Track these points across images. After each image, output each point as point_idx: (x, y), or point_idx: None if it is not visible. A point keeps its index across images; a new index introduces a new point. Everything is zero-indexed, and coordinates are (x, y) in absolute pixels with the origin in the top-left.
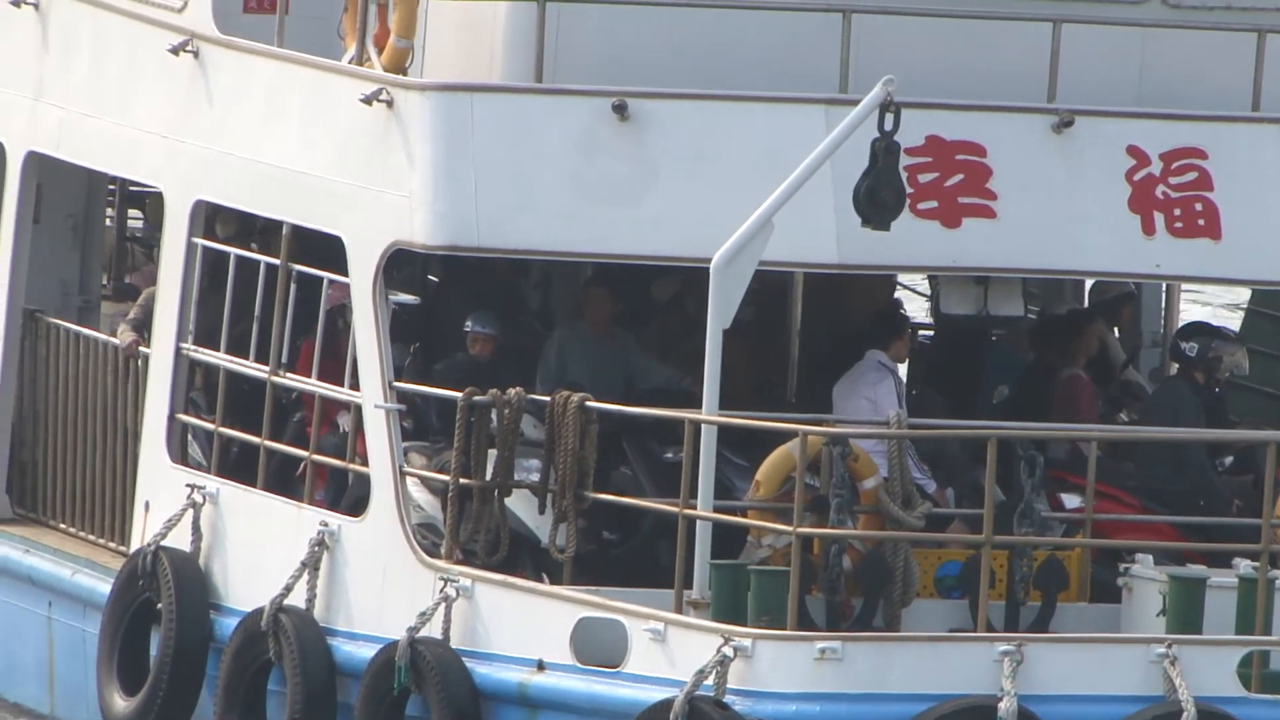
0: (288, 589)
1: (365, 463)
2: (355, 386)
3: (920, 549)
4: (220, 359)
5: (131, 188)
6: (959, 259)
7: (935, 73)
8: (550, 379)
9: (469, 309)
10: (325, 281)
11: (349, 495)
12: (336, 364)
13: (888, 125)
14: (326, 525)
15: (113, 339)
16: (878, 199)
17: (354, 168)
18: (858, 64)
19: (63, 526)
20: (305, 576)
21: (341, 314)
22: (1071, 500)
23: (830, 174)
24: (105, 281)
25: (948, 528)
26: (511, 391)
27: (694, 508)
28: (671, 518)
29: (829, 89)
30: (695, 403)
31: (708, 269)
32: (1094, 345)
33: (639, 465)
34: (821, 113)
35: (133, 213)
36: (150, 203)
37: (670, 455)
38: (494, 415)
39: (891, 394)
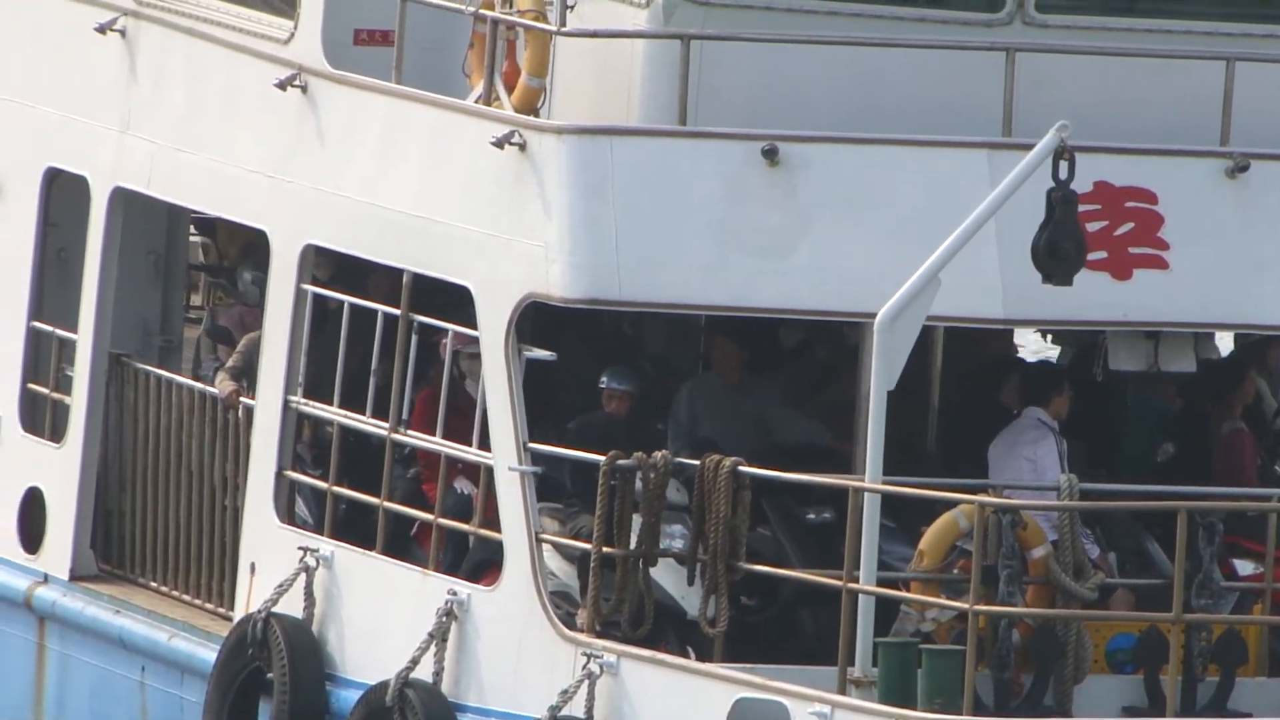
0: (414, 662)
1: (490, 524)
2: (483, 444)
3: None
4: (334, 414)
5: (204, 217)
6: (1130, 313)
7: (1101, 114)
8: (682, 435)
9: (590, 362)
10: (450, 334)
11: (469, 560)
12: (458, 419)
13: (1062, 173)
14: (455, 594)
15: (208, 387)
16: (1058, 252)
17: (483, 214)
18: (1021, 105)
19: (154, 585)
20: (433, 648)
21: (455, 362)
22: (1244, 567)
23: (993, 222)
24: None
25: (1112, 596)
26: (657, 455)
27: (855, 579)
28: (813, 584)
29: (992, 131)
30: (837, 459)
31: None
32: (1252, 393)
33: (779, 526)
34: (984, 157)
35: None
36: (220, 234)
37: (812, 516)
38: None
39: (1053, 453)
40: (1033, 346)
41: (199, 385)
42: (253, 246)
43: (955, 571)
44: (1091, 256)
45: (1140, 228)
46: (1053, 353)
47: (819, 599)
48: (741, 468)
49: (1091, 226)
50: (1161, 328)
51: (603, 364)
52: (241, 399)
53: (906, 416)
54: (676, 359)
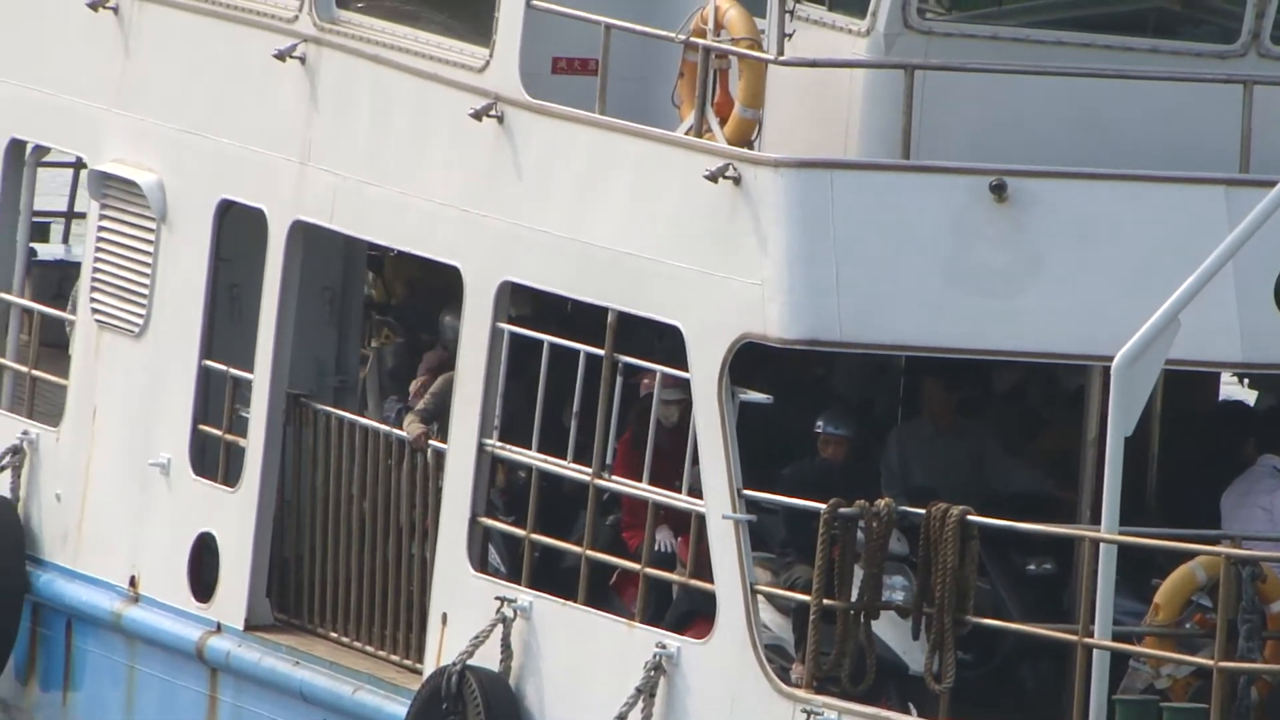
0: (621, 718)
1: (697, 574)
2: (692, 490)
3: None
4: (533, 458)
5: (371, 252)
6: None
7: None
8: (895, 483)
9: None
10: (658, 375)
11: (674, 611)
12: (662, 464)
13: None
14: (664, 647)
15: (394, 430)
16: None
17: (694, 250)
18: (1260, 139)
19: (334, 635)
20: (640, 703)
21: (660, 404)
22: None
23: (1229, 262)
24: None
25: None
26: (880, 502)
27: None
28: (1033, 638)
29: (1228, 167)
30: (1059, 508)
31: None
32: None
33: (998, 577)
34: (1221, 194)
35: None
36: (387, 270)
37: (1033, 567)
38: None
39: None
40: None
41: (384, 428)
42: (426, 285)
43: (1189, 626)
44: None
45: None
46: (1244, 395)
47: (1039, 653)
48: (970, 517)
49: None
50: None
51: (789, 406)
52: (431, 442)
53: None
54: (874, 402)
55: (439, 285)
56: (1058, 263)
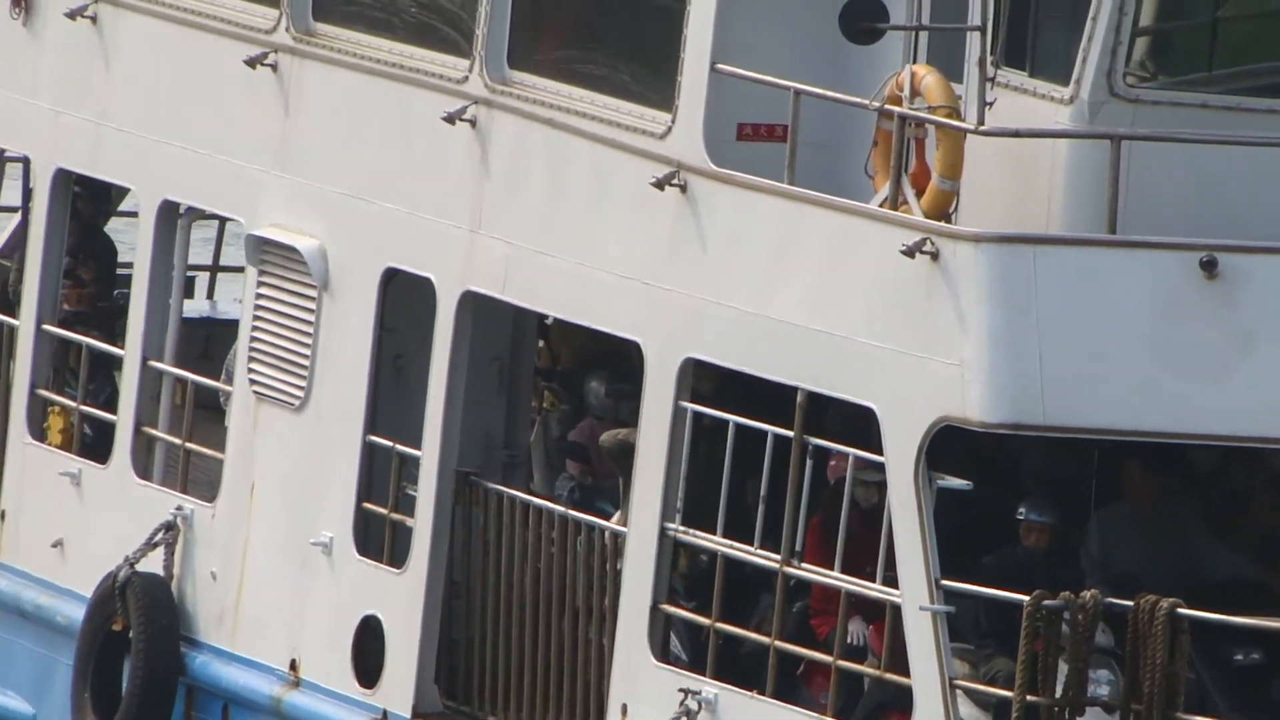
0: None
1: (891, 666)
2: (885, 579)
3: None
4: (718, 544)
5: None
6: None
7: None
8: (1095, 570)
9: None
10: (850, 458)
11: (866, 703)
12: (855, 549)
13: None
14: None
15: (570, 511)
16: None
17: (889, 328)
18: None
19: None
20: None
21: (853, 488)
22: None
23: None
24: None
25: None
26: (1086, 594)
27: None
28: None
29: None
30: (1266, 593)
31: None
32: None
33: (1204, 668)
34: None
35: None
36: (554, 335)
37: (1240, 657)
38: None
39: None
40: None
41: (558, 508)
42: (594, 352)
43: None
44: None
45: None
46: None
47: None
48: (1180, 609)
49: None
50: None
51: (983, 487)
52: (609, 524)
53: None
54: (1070, 484)
55: (608, 351)
56: (1270, 341)
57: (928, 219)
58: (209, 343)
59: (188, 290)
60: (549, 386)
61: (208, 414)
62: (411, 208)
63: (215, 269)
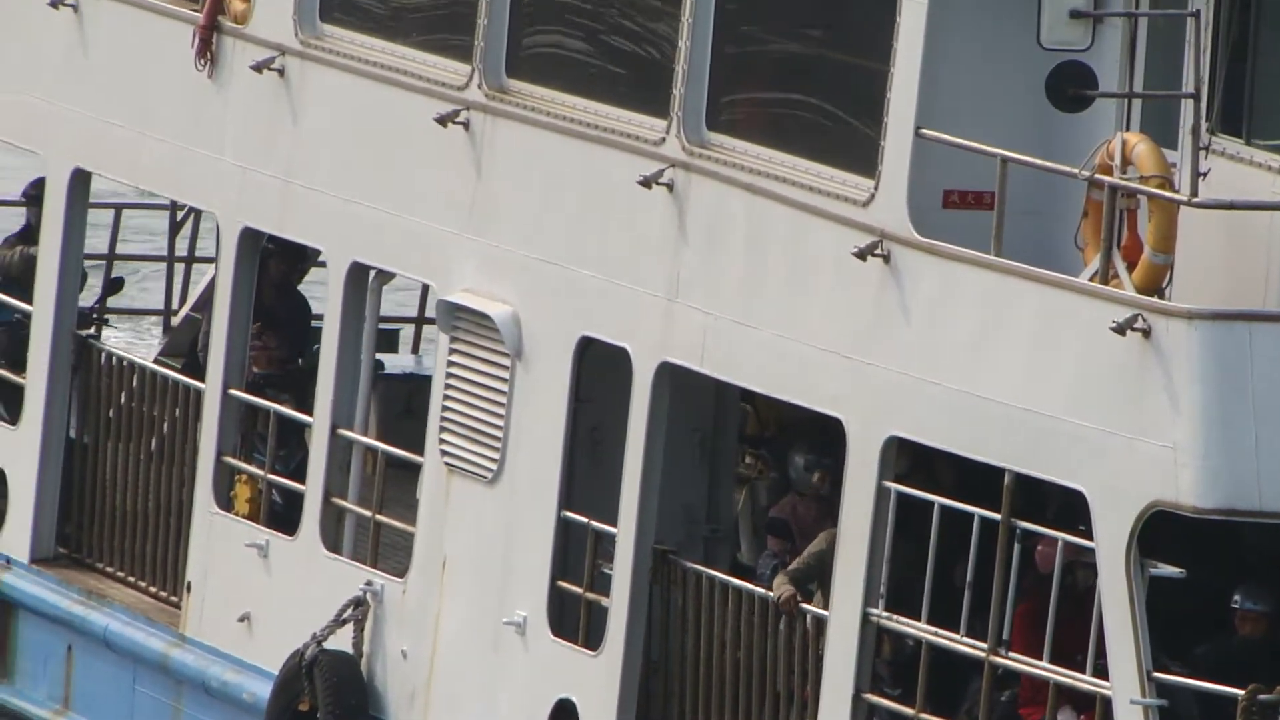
0: None
1: None
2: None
3: None
4: (923, 631)
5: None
6: None
7: None
8: None
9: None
10: (1060, 544)
11: None
12: (1065, 636)
13: None
14: None
15: (769, 592)
16: None
17: (1099, 408)
18: None
19: None
20: None
21: (1069, 571)
22: None
23: None
24: None
25: None
26: None
27: None
28: None
29: None
30: None
31: None
32: None
33: None
34: None
35: None
36: (759, 400)
37: None
38: None
39: None
40: None
41: (759, 590)
42: (799, 418)
43: None
44: None
45: None
46: None
47: None
48: None
49: None
50: None
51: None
52: (804, 606)
53: None
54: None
55: (815, 417)
56: None
57: (1140, 294)
58: (411, 399)
59: (390, 344)
60: (757, 454)
61: (403, 474)
62: (607, 274)
63: (420, 321)
